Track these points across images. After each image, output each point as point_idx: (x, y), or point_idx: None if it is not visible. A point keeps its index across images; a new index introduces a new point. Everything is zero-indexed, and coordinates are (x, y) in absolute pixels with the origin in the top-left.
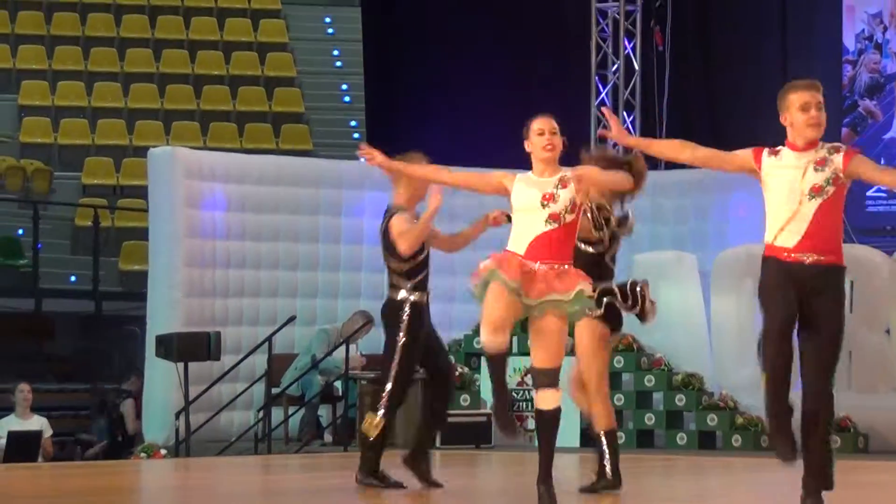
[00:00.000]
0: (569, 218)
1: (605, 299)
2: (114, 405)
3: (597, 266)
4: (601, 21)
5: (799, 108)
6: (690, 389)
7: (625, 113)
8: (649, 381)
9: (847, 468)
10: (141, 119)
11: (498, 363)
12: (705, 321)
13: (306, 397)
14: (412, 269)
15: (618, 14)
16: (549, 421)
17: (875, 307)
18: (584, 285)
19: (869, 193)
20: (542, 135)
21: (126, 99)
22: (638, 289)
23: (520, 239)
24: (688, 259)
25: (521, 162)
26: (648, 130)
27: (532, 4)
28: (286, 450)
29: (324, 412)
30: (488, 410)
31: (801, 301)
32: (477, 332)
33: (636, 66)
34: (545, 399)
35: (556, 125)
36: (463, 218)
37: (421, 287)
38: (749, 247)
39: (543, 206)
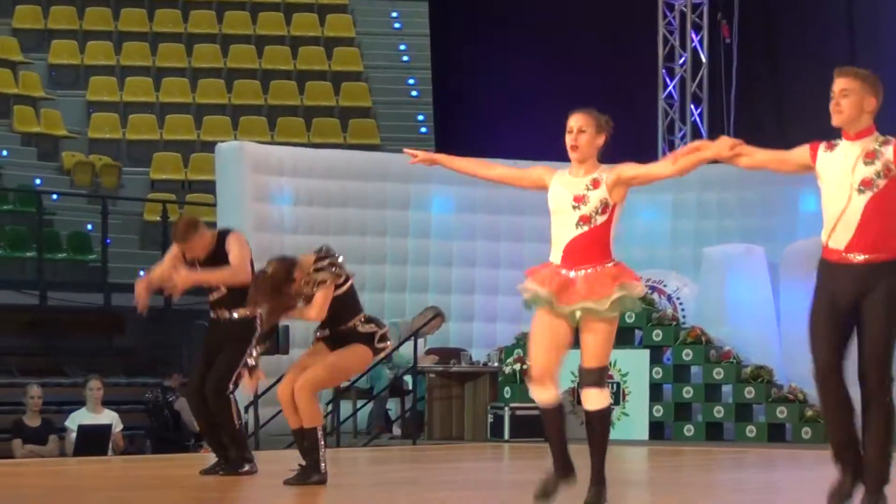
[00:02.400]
0: (600, 220)
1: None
2: (163, 402)
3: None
4: (668, 14)
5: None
6: (759, 382)
7: (692, 105)
8: (718, 373)
9: None
10: (208, 114)
11: (551, 419)
12: (774, 313)
13: (375, 391)
14: None
15: (685, 7)
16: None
17: None
18: (624, 289)
19: None
20: (569, 133)
21: (194, 94)
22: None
23: (556, 245)
24: (756, 251)
25: None
26: (715, 122)
27: None
28: (355, 443)
29: (393, 406)
30: None
31: (852, 308)
32: None
33: (703, 59)
34: (592, 398)
35: (586, 122)
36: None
37: None
38: (819, 239)
39: (574, 208)
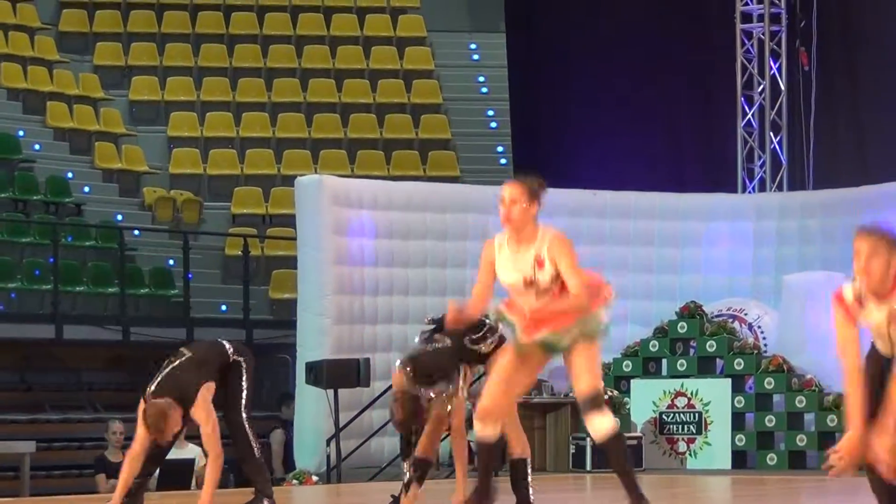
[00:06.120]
0: (555, 286)
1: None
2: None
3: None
4: (746, 42)
5: None
6: (842, 410)
7: (771, 133)
8: (800, 401)
9: None
10: (288, 148)
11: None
12: None
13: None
14: None
15: (763, 34)
16: (621, 440)
17: None
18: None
19: None
20: (501, 203)
21: (274, 129)
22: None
23: (521, 307)
24: (837, 279)
25: (667, 184)
26: (795, 150)
27: (677, 27)
28: (437, 475)
29: (474, 437)
30: (639, 434)
31: None
32: (627, 355)
33: (782, 87)
34: (605, 422)
35: (519, 191)
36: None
37: None
38: None
39: (527, 287)
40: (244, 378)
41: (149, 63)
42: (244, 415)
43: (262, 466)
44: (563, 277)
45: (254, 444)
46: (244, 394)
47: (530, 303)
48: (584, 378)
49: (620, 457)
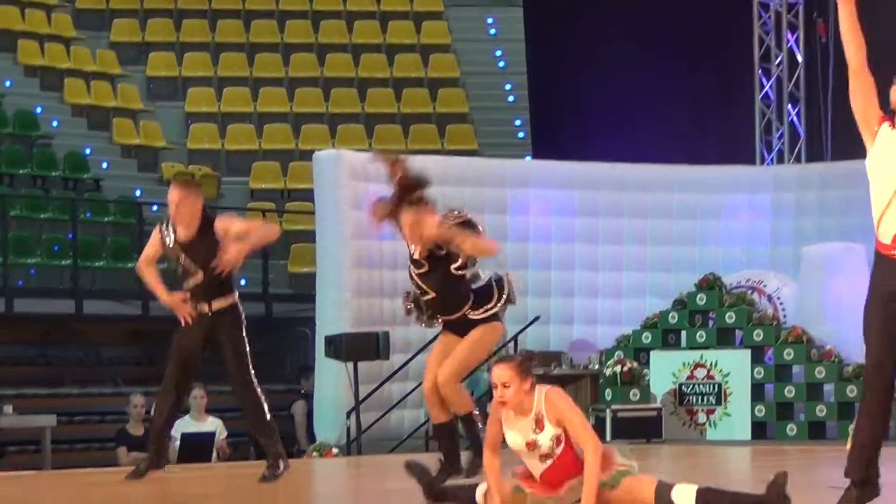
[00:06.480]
0: (559, 450)
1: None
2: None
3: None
4: (763, 14)
5: None
6: (862, 380)
7: (789, 105)
8: (820, 372)
9: None
10: (306, 123)
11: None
12: None
13: (474, 395)
14: None
15: (780, 7)
16: (708, 491)
17: None
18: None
19: None
20: (494, 388)
21: (291, 103)
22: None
23: (530, 472)
24: (856, 249)
25: (685, 156)
26: (813, 122)
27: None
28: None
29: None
30: (658, 405)
31: None
32: (646, 327)
33: (799, 59)
34: (684, 490)
35: (509, 375)
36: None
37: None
38: None
39: (530, 449)
40: (244, 329)
41: (166, 39)
42: (252, 372)
43: (274, 429)
44: (565, 437)
45: (264, 405)
46: (247, 348)
47: (535, 465)
48: (645, 490)
49: (721, 499)
